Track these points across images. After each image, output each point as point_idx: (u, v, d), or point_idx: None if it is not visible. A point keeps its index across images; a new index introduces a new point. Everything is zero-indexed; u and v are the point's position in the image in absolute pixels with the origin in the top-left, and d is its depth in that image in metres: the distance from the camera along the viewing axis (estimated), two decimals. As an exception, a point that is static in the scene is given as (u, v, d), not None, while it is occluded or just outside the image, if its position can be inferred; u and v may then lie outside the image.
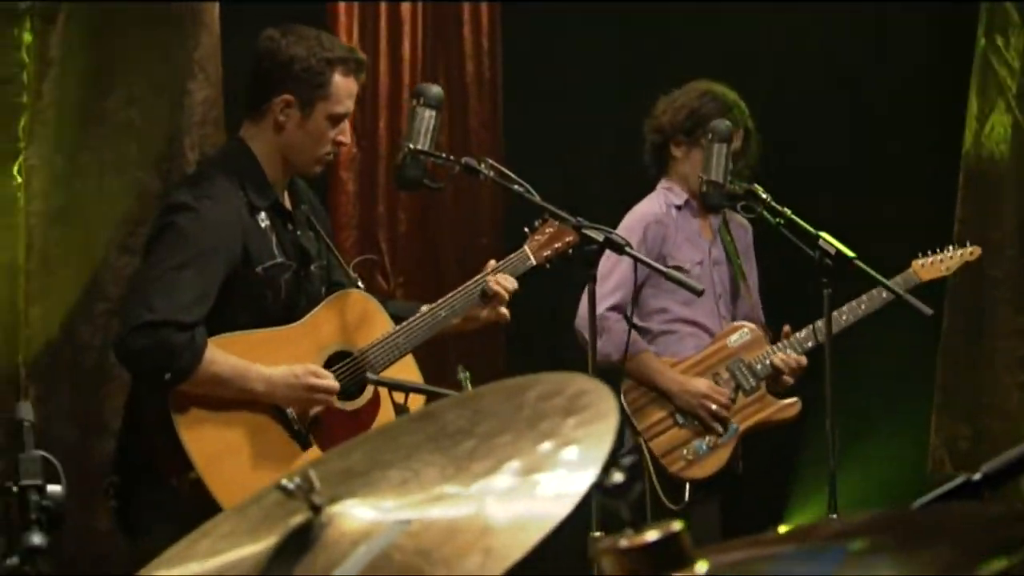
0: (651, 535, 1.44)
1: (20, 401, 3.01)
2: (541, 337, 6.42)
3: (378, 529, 1.83)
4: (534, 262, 4.52)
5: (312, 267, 4.36)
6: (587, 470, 1.73)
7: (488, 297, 4.41)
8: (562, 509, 1.69)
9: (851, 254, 4.38)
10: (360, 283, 4.52)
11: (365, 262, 4.72)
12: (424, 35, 6.58)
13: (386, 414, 4.31)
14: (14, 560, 2.51)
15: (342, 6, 6.32)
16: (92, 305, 5.14)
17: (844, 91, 6.25)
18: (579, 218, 4.05)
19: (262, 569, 1.89)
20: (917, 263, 5.26)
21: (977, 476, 2.06)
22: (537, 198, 4.12)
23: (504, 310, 4.45)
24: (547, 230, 4.52)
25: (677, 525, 1.43)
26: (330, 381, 4.17)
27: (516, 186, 4.13)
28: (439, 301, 4.42)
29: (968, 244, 5.52)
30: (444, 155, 4.16)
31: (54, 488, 2.67)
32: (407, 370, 4.44)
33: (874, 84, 6.28)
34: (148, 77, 5.27)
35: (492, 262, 4.50)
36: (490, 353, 6.42)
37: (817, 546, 1.57)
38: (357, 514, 1.87)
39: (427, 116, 4.17)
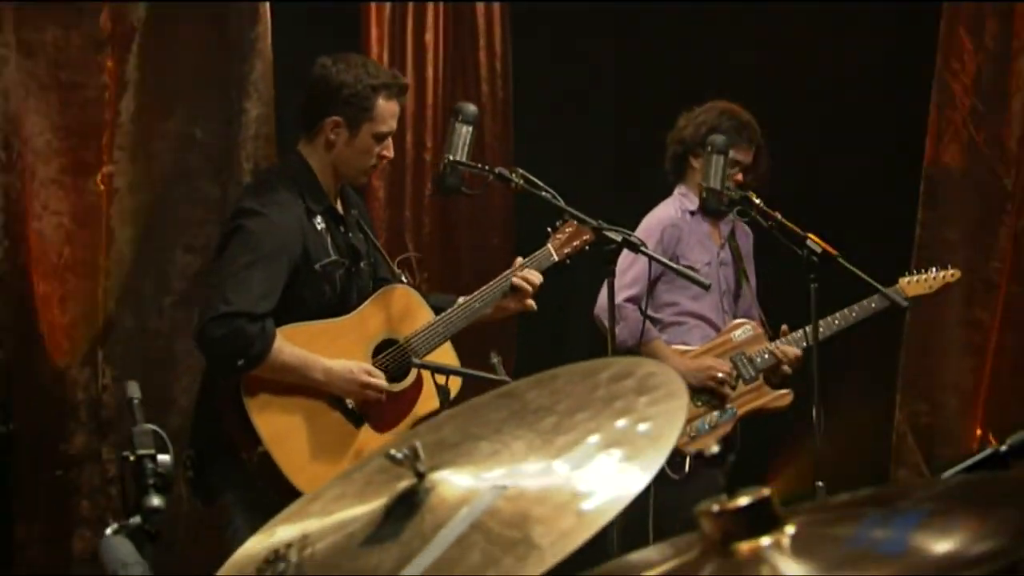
0: (744, 499, 1.43)
1: (127, 382, 2.96)
2: (549, 329, 6.40)
3: (476, 494, 1.82)
4: (556, 259, 4.49)
5: (361, 264, 4.38)
6: (660, 447, 1.73)
7: (515, 290, 4.40)
8: (640, 481, 1.68)
9: (834, 252, 4.37)
10: (404, 278, 4.52)
11: (407, 259, 4.69)
12: (445, 60, 6.56)
13: (427, 395, 4.35)
14: (136, 520, 2.50)
15: (373, 46, 6.29)
16: (160, 298, 5.16)
17: (823, 101, 6.13)
18: (599, 221, 4.06)
19: (375, 527, 1.88)
20: (903, 280, 5.24)
21: (1004, 448, 2.06)
22: (562, 203, 4.13)
23: (530, 301, 4.44)
24: (567, 230, 4.50)
25: (767, 491, 1.42)
26: (380, 380, 4.19)
27: (544, 192, 4.12)
28: (474, 294, 4.42)
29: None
30: (480, 165, 4.17)
31: (163, 457, 2.65)
32: (445, 355, 4.43)
33: (846, 95, 6.21)
34: (209, 98, 5.28)
35: (519, 259, 4.47)
36: (503, 342, 6.41)
37: (893, 509, 1.56)
38: (456, 481, 1.87)
39: (464, 131, 4.20)
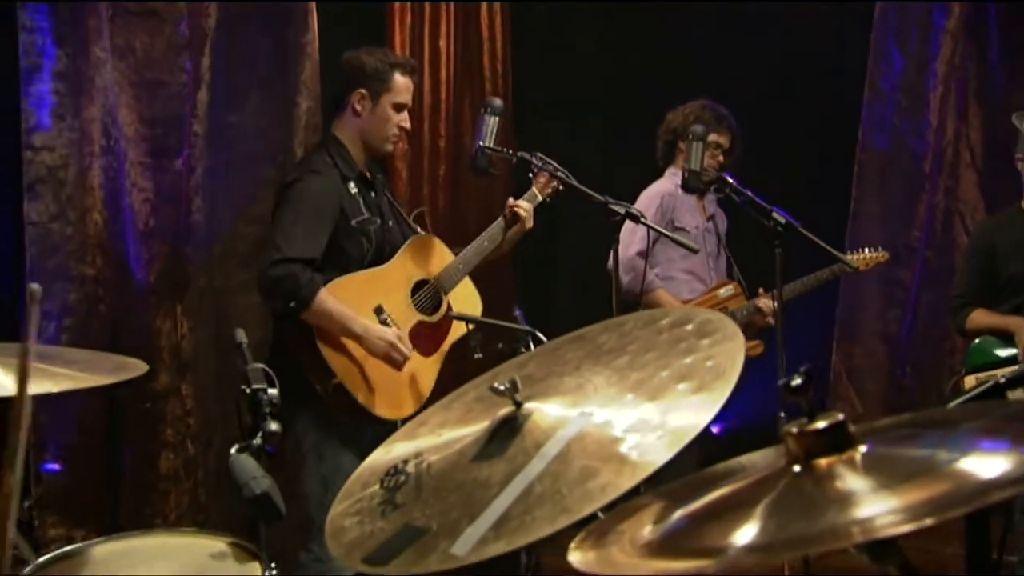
0: (822, 423, 1.44)
1: (236, 329, 2.96)
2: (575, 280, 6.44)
3: (568, 420, 1.85)
4: (540, 198, 4.58)
5: (390, 222, 4.42)
6: (726, 380, 1.75)
7: (516, 219, 4.53)
8: (712, 409, 1.71)
9: (795, 223, 4.39)
10: (420, 231, 4.57)
11: (419, 214, 4.73)
12: (456, 63, 6.55)
13: (457, 324, 4.46)
14: (258, 441, 2.51)
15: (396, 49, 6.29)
16: (227, 260, 5.16)
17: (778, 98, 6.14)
18: (606, 196, 4.07)
19: (481, 446, 1.90)
20: (848, 257, 5.21)
21: (1003, 380, 2.08)
22: (574, 181, 4.18)
23: (529, 224, 4.56)
24: (540, 180, 4.56)
25: (841, 415, 1.44)
26: (406, 352, 4.22)
27: (560, 172, 4.14)
28: (482, 234, 4.56)
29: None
30: (506, 150, 4.18)
31: (273, 391, 2.67)
32: (471, 301, 4.57)
33: (795, 92, 6.23)
34: (267, 93, 5.27)
35: (511, 199, 4.59)
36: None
37: (951, 430, 1.57)
38: (548, 409, 1.90)
39: (492, 122, 4.23)
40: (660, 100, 5.56)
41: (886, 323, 6.11)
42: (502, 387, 1.88)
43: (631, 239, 4.63)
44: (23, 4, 4.41)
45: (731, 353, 1.80)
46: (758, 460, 1.59)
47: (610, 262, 4.82)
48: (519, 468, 1.78)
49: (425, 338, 4.41)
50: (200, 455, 5.04)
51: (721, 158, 5.04)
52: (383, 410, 4.17)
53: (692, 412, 1.71)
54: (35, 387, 2.44)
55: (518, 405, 1.89)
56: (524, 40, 6.85)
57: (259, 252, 4.99)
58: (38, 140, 4.44)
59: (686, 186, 4.73)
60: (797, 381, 1.42)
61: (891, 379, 6.06)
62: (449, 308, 4.46)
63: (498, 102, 4.27)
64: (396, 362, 4.19)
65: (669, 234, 4.43)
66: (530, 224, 4.55)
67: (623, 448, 1.72)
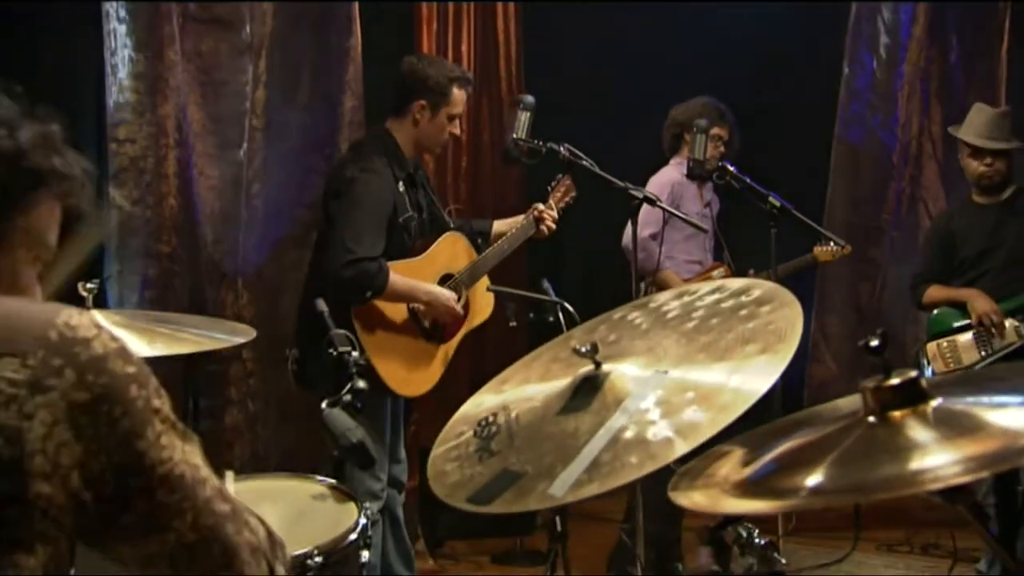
0: (896, 379, 1.44)
1: (317, 299, 2.95)
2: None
3: (644, 378, 1.85)
4: (555, 212, 4.55)
5: (424, 216, 4.38)
6: (789, 342, 1.75)
7: (539, 224, 4.50)
8: (777, 368, 1.70)
9: (789, 206, 4.38)
10: (452, 224, 4.56)
11: (456, 209, 4.74)
12: (476, 64, 6.49)
13: (474, 312, 4.49)
14: (348, 397, 2.50)
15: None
16: (281, 239, 5.19)
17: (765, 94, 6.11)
18: (626, 183, 4.06)
19: (566, 400, 1.90)
20: (817, 249, 5.20)
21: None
22: (597, 168, 4.12)
23: (552, 227, 4.54)
24: (559, 190, 4.57)
25: (914, 372, 1.43)
26: (460, 308, 4.28)
27: (584, 161, 4.11)
28: (503, 239, 4.51)
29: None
30: (536, 141, 4.15)
31: (356, 353, 2.66)
32: (486, 299, 4.55)
33: (781, 90, 6.19)
34: (316, 93, 5.26)
35: (539, 205, 4.54)
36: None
37: (1012, 386, 1.55)
38: (625, 369, 1.89)
39: (523, 116, 4.19)
40: (651, 97, 5.57)
41: (858, 295, 6.11)
42: (584, 349, 1.88)
43: (645, 221, 4.61)
44: (108, 12, 4.41)
45: (790, 318, 1.80)
46: (839, 408, 1.57)
47: (624, 240, 4.83)
48: (603, 420, 1.79)
49: (447, 326, 4.41)
50: (260, 412, 5.05)
51: (722, 148, 5.01)
52: (399, 387, 4.15)
53: (760, 371, 1.71)
54: (170, 348, 2.45)
55: (598, 365, 1.89)
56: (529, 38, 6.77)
57: (308, 232, 5.04)
58: (121, 133, 4.45)
59: (691, 174, 4.70)
60: (874, 342, 1.41)
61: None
62: (468, 302, 4.44)
63: (530, 98, 4.24)
64: (456, 318, 4.28)
65: (685, 217, 4.41)
66: (552, 228, 4.54)
67: (699, 404, 1.72)
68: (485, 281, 4.50)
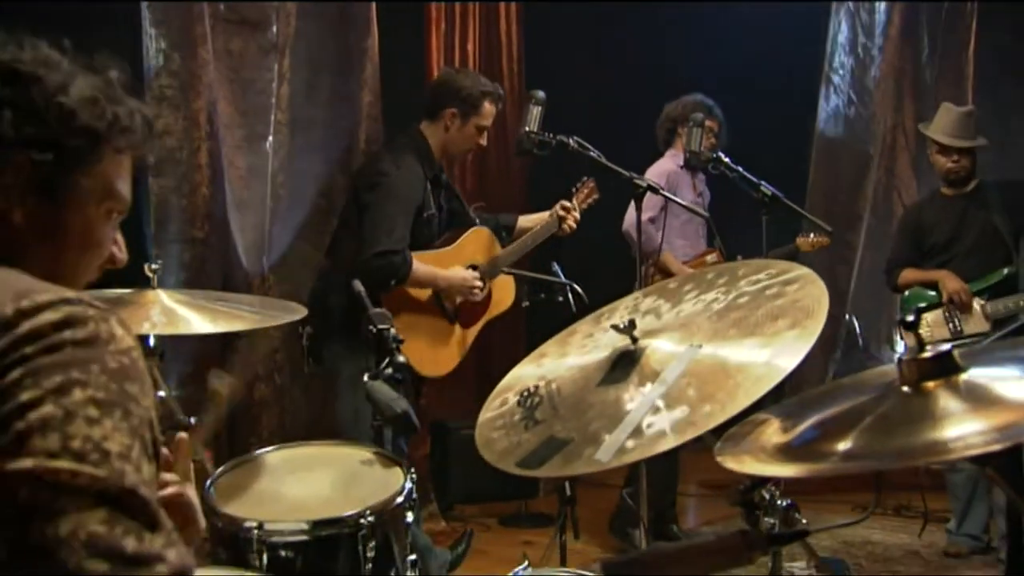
0: (931, 351, 1.44)
1: (353, 280, 2.94)
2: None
3: (678, 352, 1.84)
4: (578, 213, 4.55)
5: (443, 215, 4.41)
6: (817, 317, 1.74)
7: (562, 222, 4.49)
8: (808, 342, 1.70)
9: (780, 195, 4.37)
10: (477, 220, 4.57)
11: (479, 207, 4.73)
12: (480, 63, 6.46)
13: (495, 302, 4.54)
14: (389, 371, 2.50)
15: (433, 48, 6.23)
16: (303, 225, 5.15)
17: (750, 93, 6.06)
18: (631, 172, 4.05)
19: (605, 372, 1.90)
20: (800, 239, 5.21)
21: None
22: (604, 160, 4.10)
23: (574, 225, 4.53)
24: (583, 192, 4.56)
25: (948, 346, 1.43)
26: (480, 284, 4.32)
27: (592, 152, 4.10)
28: (528, 234, 4.53)
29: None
30: (548, 134, 4.14)
31: (394, 330, 2.66)
32: (508, 288, 4.59)
33: (766, 88, 6.17)
34: (336, 90, 5.24)
35: (564, 203, 4.54)
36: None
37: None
38: (660, 344, 1.89)
39: (535, 111, 4.17)
40: (644, 94, 5.56)
41: (836, 277, 6.10)
42: (622, 325, 1.88)
43: (644, 207, 4.60)
44: (145, 14, 4.39)
45: (816, 296, 1.79)
46: (876, 378, 1.56)
47: (625, 225, 4.83)
48: (643, 391, 1.78)
49: (467, 312, 4.44)
50: (286, 385, 5.04)
51: (713, 140, 5.01)
52: (421, 367, 4.17)
53: (791, 345, 1.71)
54: (231, 325, 2.45)
55: (634, 340, 1.89)
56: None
57: (327, 219, 5.05)
58: (160, 126, 4.40)
59: (689, 164, 4.68)
60: (910, 318, 1.41)
61: (840, 323, 6.05)
62: (490, 292, 4.47)
63: (541, 94, 4.22)
64: (478, 296, 4.31)
65: (686, 203, 4.41)
66: (572, 228, 4.54)
67: (734, 376, 1.71)
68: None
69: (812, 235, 5.14)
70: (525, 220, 4.68)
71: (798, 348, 1.68)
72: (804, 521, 1.85)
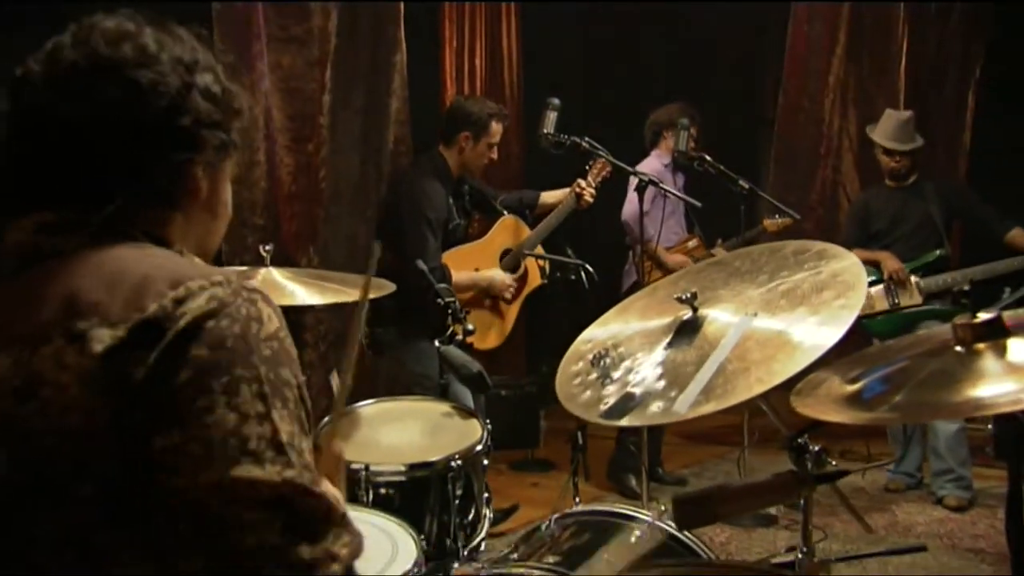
0: (983, 317, 1.42)
1: (417, 260, 2.91)
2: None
3: (735, 321, 1.83)
4: (593, 188, 4.47)
5: (462, 221, 4.37)
6: (858, 289, 1.73)
7: (580, 198, 4.43)
8: (854, 310, 1.68)
9: (756, 188, 4.37)
10: (505, 212, 4.55)
11: (504, 194, 4.71)
12: (486, 74, 6.40)
13: (529, 280, 4.50)
14: (460, 338, 2.48)
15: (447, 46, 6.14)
16: (341, 213, 5.07)
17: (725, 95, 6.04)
18: (634, 168, 4.03)
19: (670, 337, 1.88)
20: (766, 221, 5.14)
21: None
22: (610, 156, 4.09)
23: (591, 200, 4.46)
24: (595, 168, 4.50)
25: (994, 311, 1.42)
26: (512, 286, 4.34)
27: (601, 151, 4.09)
28: (551, 214, 4.50)
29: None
30: (561, 135, 4.12)
31: (457, 302, 2.63)
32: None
33: (730, 86, 6.15)
34: (369, 98, 5.19)
35: (580, 181, 4.47)
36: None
37: None
38: (718, 314, 1.87)
39: (551, 115, 4.17)
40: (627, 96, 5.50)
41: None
42: (684, 297, 1.86)
43: (636, 200, 4.55)
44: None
45: (854, 270, 1.78)
46: (933, 340, 1.54)
47: (624, 216, 4.80)
48: (707, 353, 1.77)
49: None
50: (327, 352, 5.00)
51: (693, 144, 4.97)
52: (476, 342, 4.13)
53: (838, 313, 1.70)
54: (337, 297, 2.42)
55: (695, 310, 1.88)
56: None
57: (363, 209, 5.03)
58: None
59: (678, 163, 4.69)
60: (966, 287, 1.41)
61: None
62: (525, 268, 4.46)
63: (557, 100, 4.21)
64: (508, 295, 4.30)
65: (681, 195, 4.39)
66: (589, 202, 4.48)
67: (790, 340, 1.70)
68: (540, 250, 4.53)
69: (777, 216, 5.14)
70: (547, 196, 4.67)
71: (845, 316, 1.67)
72: (833, 463, 1.85)
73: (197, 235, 1.22)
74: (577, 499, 2.36)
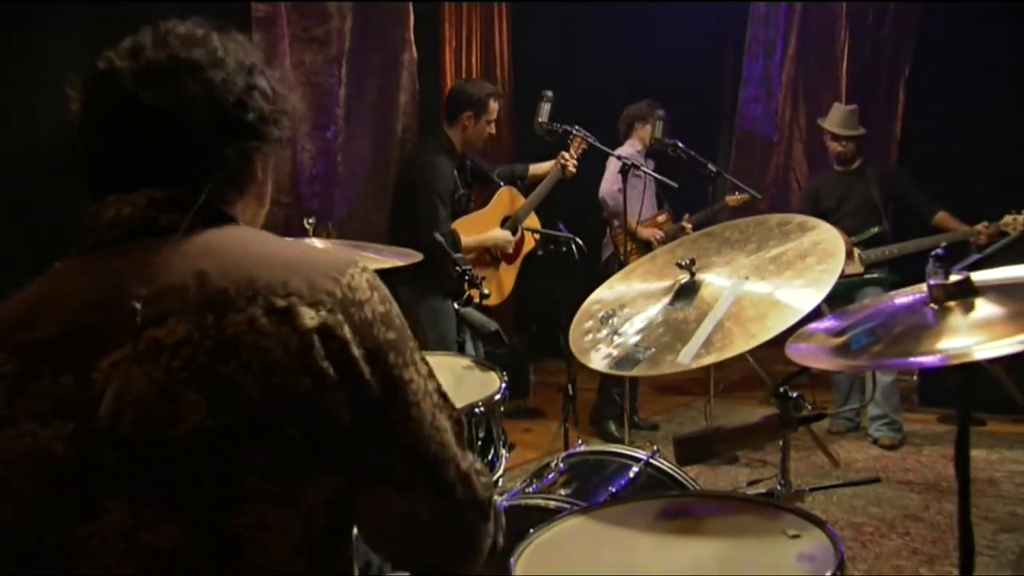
0: (954, 278, 1.41)
1: (434, 232, 2.87)
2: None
3: (728, 285, 1.82)
4: (575, 160, 4.40)
5: (468, 192, 4.35)
6: (837, 256, 1.73)
7: (564, 169, 4.38)
8: (833, 274, 1.67)
9: (722, 171, 4.36)
10: (501, 184, 4.51)
11: (499, 168, 4.67)
12: (480, 56, 6.31)
13: (527, 242, 4.49)
14: (477, 300, 2.46)
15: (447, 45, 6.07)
16: (356, 194, 5.00)
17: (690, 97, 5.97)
18: (616, 151, 4.01)
19: (672, 298, 1.87)
20: (728, 197, 5.09)
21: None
22: (595, 140, 4.06)
23: (573, 171, 4.39)
24: (575, 143, 4.40)
25: (968, 274, 1.41)
26: (512, 241, 4.33)
27: (590, 138, 4.06)
28: (541, 184, 4.45)
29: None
30: (554, 124, 4.08)
31: (472, 270, 2.60)
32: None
33: (692, 89, 6.09)
34: (380, 91, 5.11)
35: (563, 153, 4.40)
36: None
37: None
38: (713, 278, 1.87)
39: (545, 106, 4.15)
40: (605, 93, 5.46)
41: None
42: (683, 263, 1.86)
43: (615, 179, 4.51)
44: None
45: (832, 239, 1.78)
46: (910, 297, 1.53)
47: (601, 193, 4.77)
48: (706, 312, 1.77)
49: (506, 254, 4.43)
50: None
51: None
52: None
53: (820, 277, 1.69)
54: (378, 264, 2.38)
55: (692, 274, 1.87)
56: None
57: (376, 190, 4.96)
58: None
59: (654, 148, 4.66)
60: (939, 251, 1.40)
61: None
62: (522, 233, 4.45)
63: (550, 93, 4.17)
64: (509, 252, 4.26)
65: (659, 176, 4.36)
66: (573, 172, 4.43)
67: (780, 300, 1.70)
68: (532, 217, 4.51)
69: (736, 193, 5.14)
70: (535, 167, 4.63)
71: (826, 279, 1.67)
72: (809, 407, 1.86)
73: (247, 220, 1.19)
74: (580, 441, 2.35)
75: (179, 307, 0.98)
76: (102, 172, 1.07)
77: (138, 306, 0.97)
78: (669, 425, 5.20)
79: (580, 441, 2.27)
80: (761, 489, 1.87)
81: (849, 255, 4.85)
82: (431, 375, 1.12)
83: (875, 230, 4.89)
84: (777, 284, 1.73)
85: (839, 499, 3.79)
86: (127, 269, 1.01)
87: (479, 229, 4.28)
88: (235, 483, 0.94)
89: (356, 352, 1.01)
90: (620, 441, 4.29)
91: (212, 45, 1.11)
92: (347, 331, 1.01)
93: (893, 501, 3.82)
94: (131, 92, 1.05)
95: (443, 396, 1.13)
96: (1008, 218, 4.39)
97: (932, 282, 1.40)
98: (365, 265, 1.10)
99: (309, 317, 1.00)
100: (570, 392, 3.92)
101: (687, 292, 1.85)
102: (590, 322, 1.94)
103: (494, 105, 4.25)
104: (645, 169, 4.11)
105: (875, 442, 4.75)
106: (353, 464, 1.01)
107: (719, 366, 4.22)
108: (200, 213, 1.06)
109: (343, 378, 1.00)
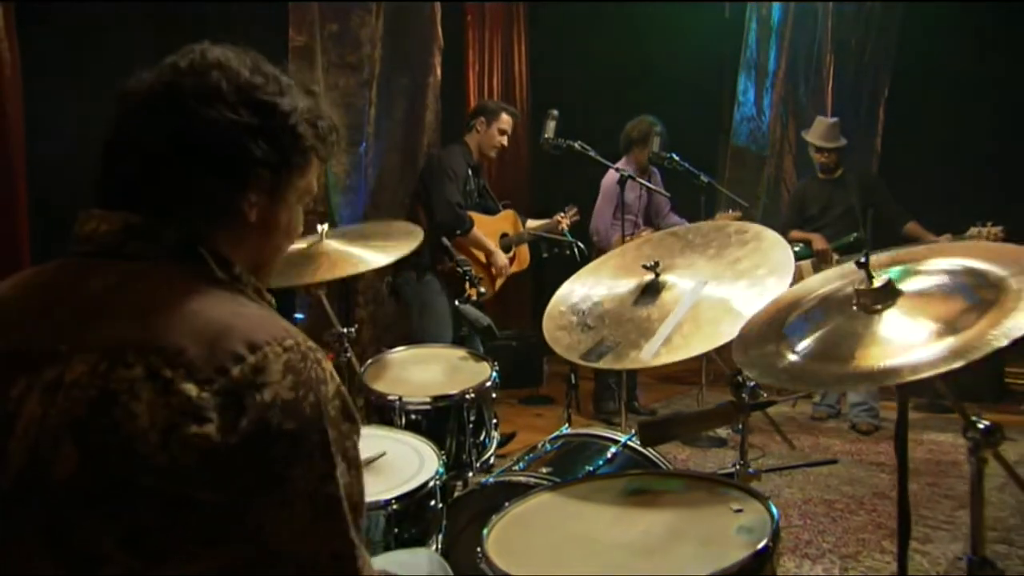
0: (876, 283, 1.39)
1: (442, 238, 2.85)
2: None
3: (690, 286, 1.81)
4: (568, 223, 4.50)
5: (476, 198, 4.32)
6: (787, 265, 1.71)
7: (559, 225, 4.46)
8: (784, 282, 1.65)
9: (714, 181, 4.31)
10: (501, 207, 4.51)
11: (506, 205, 4.66)
12: (501, 82, 6.32)
13: (520, 262, 4.47)
14: (475, 297, 2.45)
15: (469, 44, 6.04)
16: (383, 202, 5.04)
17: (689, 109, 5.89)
18: (616, 164, 3.98)
19: (636, 296, 1.86)
20: (719, 214, 4.89)
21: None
22: (595, 153, 4.00)
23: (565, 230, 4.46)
24: (570, 213, 4.50)
25: (889, 276, 1.39)
26: (506, 267, 4.25)
27: (591, 152, 4.00)
28: (538, 225, 4.52)
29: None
30: (561, 140, 4.05)
31: (472, 271, 2.60)
32: (524, 255, 4.54)
33: (690, 101, 6.02)
34: (407, 110, 5.17)
35: (560, 216, 4.52)
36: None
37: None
38: (675, 278, 1.85)
39: (551, 124, 4.06)
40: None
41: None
42: (649, 264, 1.85)
43: (614, 191, 4.46)
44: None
45: (782, 250, 1.76)
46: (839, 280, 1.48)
47: (591, 227, 4.71)
48: (668, 312, 1.76)
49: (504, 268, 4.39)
50: (375, 311, 5.01)
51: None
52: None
53: (772, 285, 1.68)
54: (401, 252, 2.36)
55: (657, 275, 1.86)
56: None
57: (401, 197, 4.99)
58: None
59: (652, 161, 4.60)
60: (861, 260, 1.38)
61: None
62: (515, 253, 4.45)
63: (555, 112, 4.11)
64: (500, 272, 4.21)
65: (653, 187, 4.32)
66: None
67: (736, 304, 1.69)
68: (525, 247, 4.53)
69: (730, 210, 5.08)
70: (531, 223, 4.65)
71: (775, 288, 1.65)
72: (764, 395, 1.85)
73: (252, 254, 1.04)
74: (566, 425, 2.35)
75: (87, 345, 0.86)
76: (101, 183, 1.00)
77: (59, 338, 0.87)
78: (666, 411, 5.17)
79: (566, 425, 2.27)
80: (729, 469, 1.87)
81: (828, 260, 4.80)
82: (330, 475, 0.88)
83: (852, 237, 4.82)
84: (732, 290, 1.72)
85: (815, 479, 3.76)
86: (71, 293, 0.92)
87: (481, 229, 4.27)
88: (95, 545, 0.82)
89: (230, 439, 0.83)
90: (619, 425, 4.28)
91: (213, 83, 0.97)
92: (227, 415, 0.84)
93: (864, 480, 3.78)
94: (138, 114, 0.97)
95: (337, 501, 0.89)
96: (973, 230, 4.30)
97: (857, 288, 1.38)
98: (296, 344, 0.91)
99: (189, 394, 0.84)
100: (572, 381, 3.93)
101: (651, 291, 1.84)
102: (561, 313, 1.94)
103: (506, 117, 4.26)
104: (641, 181, 4.09)
105: (854, 427, 4.69)
106: (212, 554, 0.83)
107: (710, 358, 4.22)
108: (174, 249, 0.95)
109: (206, 463, 0.82)
